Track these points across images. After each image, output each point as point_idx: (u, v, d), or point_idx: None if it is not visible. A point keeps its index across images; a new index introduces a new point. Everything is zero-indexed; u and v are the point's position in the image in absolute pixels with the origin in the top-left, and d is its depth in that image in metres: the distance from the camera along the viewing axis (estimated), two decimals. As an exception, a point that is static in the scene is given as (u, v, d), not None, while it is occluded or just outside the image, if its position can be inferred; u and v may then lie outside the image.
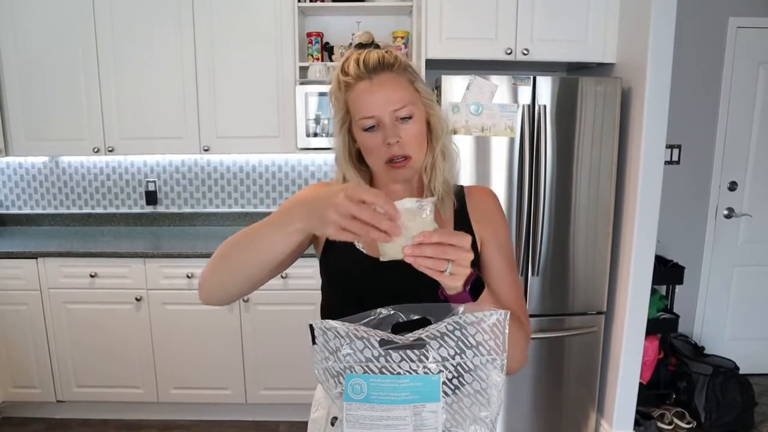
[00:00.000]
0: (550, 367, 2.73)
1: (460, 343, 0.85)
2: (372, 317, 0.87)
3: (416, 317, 0.87)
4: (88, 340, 2.92)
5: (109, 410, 3.06)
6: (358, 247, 1.08)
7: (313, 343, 0.89)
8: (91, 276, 2.85)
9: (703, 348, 3.24)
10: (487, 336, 0.84)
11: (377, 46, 1.07)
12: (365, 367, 0.85)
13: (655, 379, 3.02)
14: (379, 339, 0.84)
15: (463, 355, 0.85)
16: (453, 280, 0.83)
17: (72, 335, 2.92)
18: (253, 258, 0.93)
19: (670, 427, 2.95)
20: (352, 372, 0.86)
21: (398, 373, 0.84)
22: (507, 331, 0.84)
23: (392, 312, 0.87)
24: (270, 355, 2.91)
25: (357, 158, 1.11)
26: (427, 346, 0.84)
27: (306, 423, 1.19)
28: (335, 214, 0.77)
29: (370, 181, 1.15)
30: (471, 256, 0.82)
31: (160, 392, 2.97)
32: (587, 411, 2.81)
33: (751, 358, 3.47)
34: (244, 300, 2.83)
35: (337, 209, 0.77)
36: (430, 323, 0.84)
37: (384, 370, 0.85)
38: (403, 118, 1.02)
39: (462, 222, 1.11)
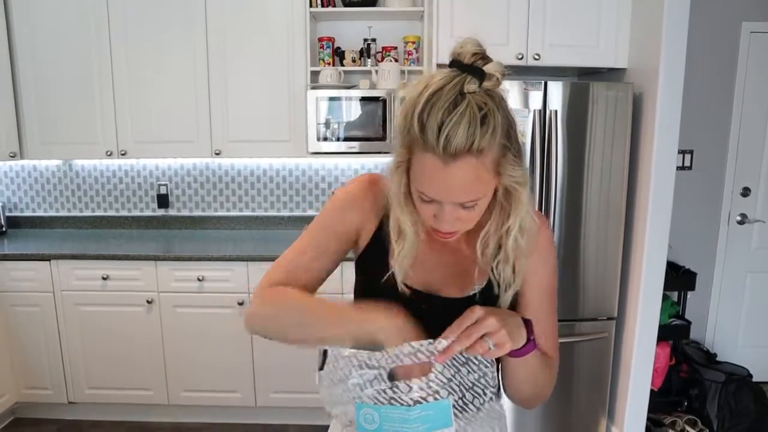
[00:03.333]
0: (561, 373, 2.65)
1: (455, 360, 0.85)
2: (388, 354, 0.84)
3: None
4: (100, 341, 2.95)
5: (120, 412, 3.08)
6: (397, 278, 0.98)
7: (320, 368, 0.88)
8: (103, 278, 2.87)
9: (715, 355, 3.21)
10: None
11: (480, 75, 0.79)
12: (374, 399, 0.84)
13: (667, 386, 3.00)
14: (388, 372, 0.83)
15: (459, 374, 0.85)
16: (503, 348, 0.81)
17: (84, 337, 2.94)
18: (312, 338, 0.95)
19: (681, 435, 2.93)
20: (361, 402, 0.85)
21: (408, 404, 0.83)
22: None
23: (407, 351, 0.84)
24: (280, 358, 2.91)
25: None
26: (433, 369, 0.83)
27: (314, 426, 1.19)
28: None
29: None
30: (496, 323, 0.80)
31: (171, 395, 2.99)
32: (598, 417, 2.78)
33: (765, 366, 3.43)
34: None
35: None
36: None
37: (393, 401, 0.83)
38: (466, 207, 0.85)
39: None
